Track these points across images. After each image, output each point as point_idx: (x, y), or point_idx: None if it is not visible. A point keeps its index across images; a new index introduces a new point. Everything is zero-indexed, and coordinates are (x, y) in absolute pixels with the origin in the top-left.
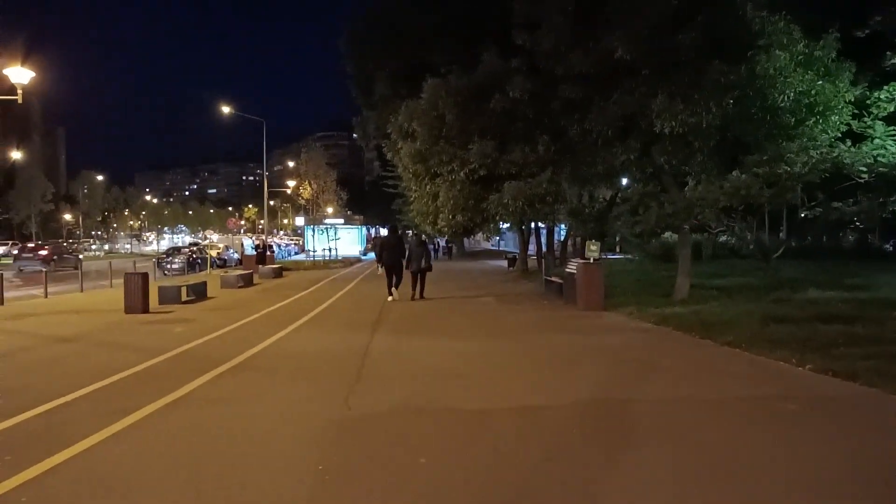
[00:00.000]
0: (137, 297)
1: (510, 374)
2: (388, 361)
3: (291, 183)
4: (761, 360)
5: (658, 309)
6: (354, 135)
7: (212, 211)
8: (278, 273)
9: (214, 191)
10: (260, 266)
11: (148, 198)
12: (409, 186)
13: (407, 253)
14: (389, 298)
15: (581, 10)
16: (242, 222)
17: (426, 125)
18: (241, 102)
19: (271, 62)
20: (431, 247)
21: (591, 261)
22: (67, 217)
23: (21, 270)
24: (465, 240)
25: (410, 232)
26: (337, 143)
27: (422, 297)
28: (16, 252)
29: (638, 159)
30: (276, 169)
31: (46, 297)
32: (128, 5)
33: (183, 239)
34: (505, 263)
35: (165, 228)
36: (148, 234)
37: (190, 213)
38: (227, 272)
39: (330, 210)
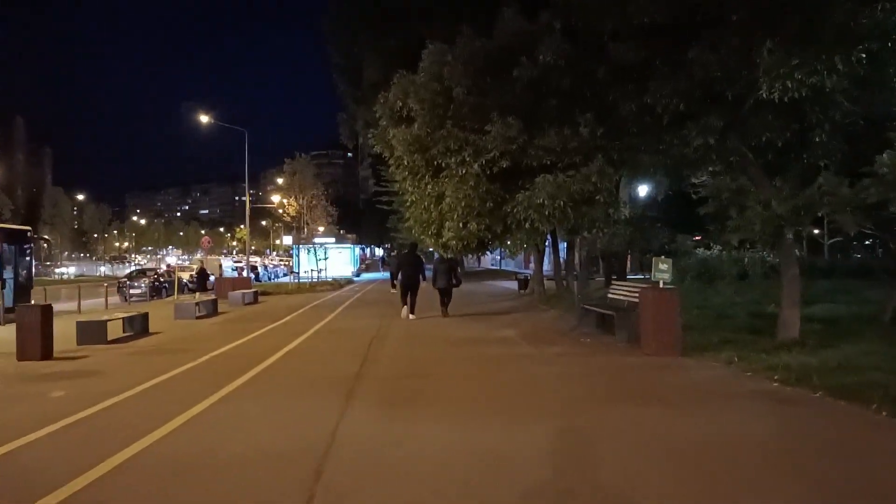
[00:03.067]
0: (34, 337)
1: None
2: (364, 488)
3: (277, 198)
4: None
5: (767, 355)
6: (341, 136)
7: (203, 232)
8: (254, 299)
9: (206, 211)
10: (234, 291)
11: (135, 218)
12: (404, 188)
13: (432, 271)
14: (403, 315)
15: None
16: (234, 243)
17: (427, 102)
18: (237, 123)
19: (267, 82)
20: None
21: (661, 285)
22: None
23: None
24: (464, 257)
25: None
26: (331, 161)
27: (446, 314)
28: None
29: (719, 143)
30: (269, 189)
31: None
32: (127, 23)
33: (174, 260)
34: (513, 285)
35: (157, 250)
36: (136, 255)
37: (181, 233)
38: (197, 298)
39: (321, 229)
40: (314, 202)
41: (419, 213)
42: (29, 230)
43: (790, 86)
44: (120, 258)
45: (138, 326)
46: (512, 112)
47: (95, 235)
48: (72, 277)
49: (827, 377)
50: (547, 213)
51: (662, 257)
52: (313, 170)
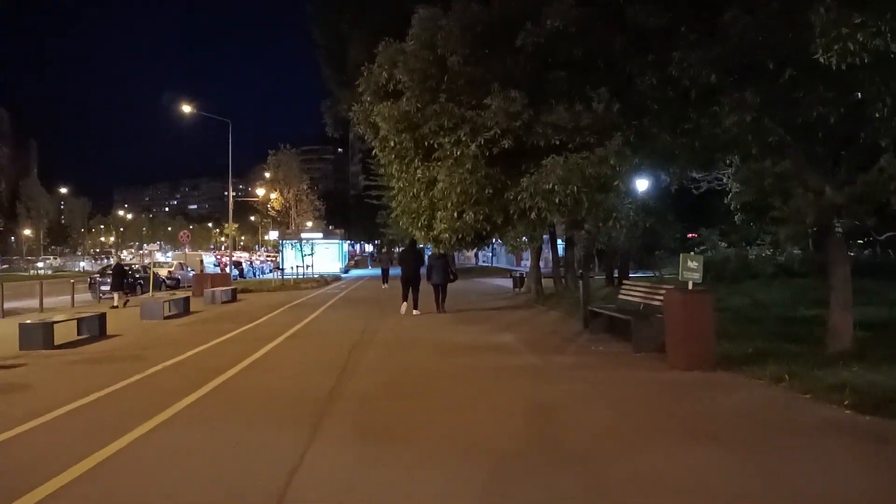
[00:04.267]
0: None
1: None
2: None
3: (261, 192)
4: None
5: (822, 371)
6: (326, 125)
7: (191, 227)
8: (232, 297)
9: (195, 206)
10: (212, 288)
11: (121, 213)
12: (390, 173)
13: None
14: (403, 311)
15: None
16: (223, 238)
17: (417, 73)
18: (226, 117)
19: (255, 77)
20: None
21: (690, 286)
22: (27, 232)
23: None
24: (455, 253)
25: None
26: (321, 157)
27: (443, 309)
28: None
29: (756, 121)
30: (258, 184)
31: None
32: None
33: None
34: (508, 283)
35: (142, 245)
36: (122, 251)
37: (169, 228)
38: (174, 295)
39: (309, 224)
40: (300, 196)
41: (407, 202)
42: None
43: (851, 48)
44: (104, 253)
45: (94, 329)
46: (515, 85)
47: (82, 230)
48: (49, 273)
49: None
50: (557, 200)
51: (692, 254)
52: (299, 163)
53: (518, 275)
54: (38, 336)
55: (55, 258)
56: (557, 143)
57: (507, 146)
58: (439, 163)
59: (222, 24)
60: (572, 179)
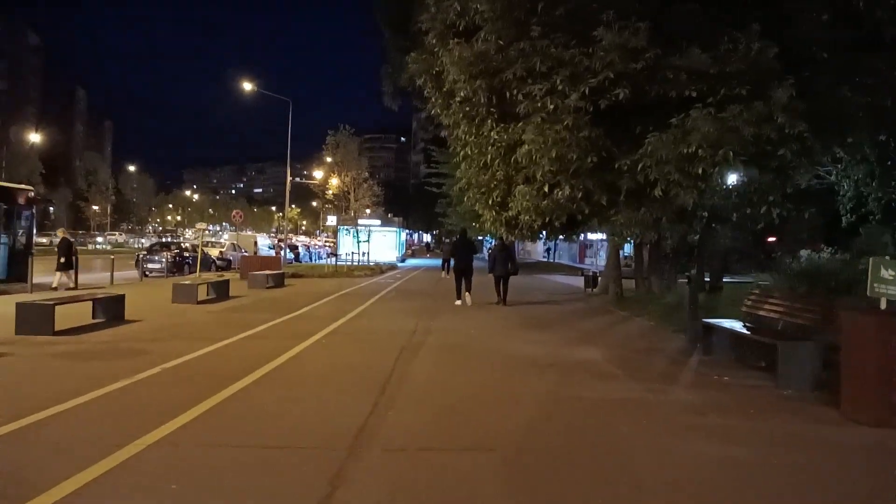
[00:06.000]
0: None
1: None
2: None
3: (319, 174)
4: None
5: None
6: (384, 95)
7: (255, 210)
8: (279, 282)
9: (260, 190)
10: (259, 272)
11: (188, 193)
12: (456, 136)
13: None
14: (458, 303)
15: None
16: (285, 222)
17: (500, 1)
18: (298, 108)
19: (322, 65)
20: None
21: (883, 304)
22: (95, 208)
23: None
24: (517, 243)
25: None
26: (383, 145)
27: (504, 302)
28: None
29: None
30: (315, 166)
31: None
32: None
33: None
34: (574, 281)
35: (208, 225)
36: (187, 230)
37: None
38: (222, 275)
39: (368, 210)
40: (359, 180)
41: (475, 172)
42: (31, 191)
43: None
44: (167, 231)
45: (111, 312)
46: (634, 15)
47: (153, 208)
48: (108, 248)
49: None
50: (700, 170)
51: (887, 258)
52: (358, 144)
53: (590, 273)
54: (36, 319)
55: (120, 234)
56: (693, 94)
57: (621, 97)
58: (520, 124)
59: (295, 19)
60: (726, 141)
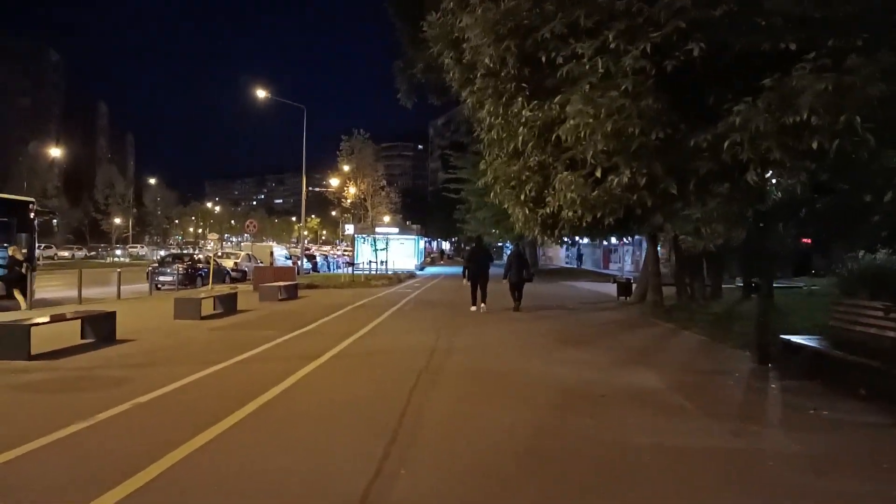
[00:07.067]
0: None
1: None
2: None
3: (335, 182)
4: None
5: None
6: (399, 92)
7: (276, 220)
8: (292, 293)
9: (280, 201)
10: (272, 283)
11: (209, 204)
12: (479, 118)
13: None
14: (472, 309)
15: None
16: (305, 232)
17: None
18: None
19: (338, 73)
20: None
21: None
22: (117, 221)
23: None
24: (540, 248)
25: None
26: (401, 153)
27: (518, 308)
28: None
29: None
30: (331, 173)
31: None
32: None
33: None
34: (604, 288)
35: (226, 236)
36: (207, 241)
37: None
38: (235, 288)
39: (386, 218)
40: (375, 187)
41: (503, 163)
42: (31, 202)
43: None
44: (188, 243)
45: (100, 331)
46: None
47: (176, 220)
48: (126, 261)
49: None
50: (816, 144)
51: None
52: (374, 150)
53: (624, 279)
54: (9, 342)
55: (141, 247)
56: (792, 47)
57: (696, 53)
58: (558, 98)
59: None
60: (849, 104)
